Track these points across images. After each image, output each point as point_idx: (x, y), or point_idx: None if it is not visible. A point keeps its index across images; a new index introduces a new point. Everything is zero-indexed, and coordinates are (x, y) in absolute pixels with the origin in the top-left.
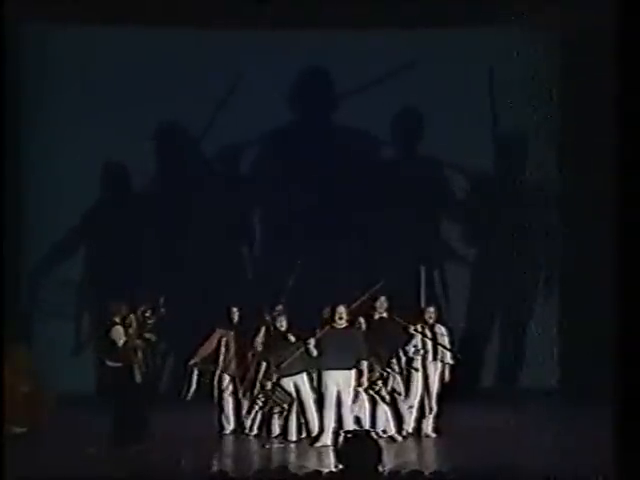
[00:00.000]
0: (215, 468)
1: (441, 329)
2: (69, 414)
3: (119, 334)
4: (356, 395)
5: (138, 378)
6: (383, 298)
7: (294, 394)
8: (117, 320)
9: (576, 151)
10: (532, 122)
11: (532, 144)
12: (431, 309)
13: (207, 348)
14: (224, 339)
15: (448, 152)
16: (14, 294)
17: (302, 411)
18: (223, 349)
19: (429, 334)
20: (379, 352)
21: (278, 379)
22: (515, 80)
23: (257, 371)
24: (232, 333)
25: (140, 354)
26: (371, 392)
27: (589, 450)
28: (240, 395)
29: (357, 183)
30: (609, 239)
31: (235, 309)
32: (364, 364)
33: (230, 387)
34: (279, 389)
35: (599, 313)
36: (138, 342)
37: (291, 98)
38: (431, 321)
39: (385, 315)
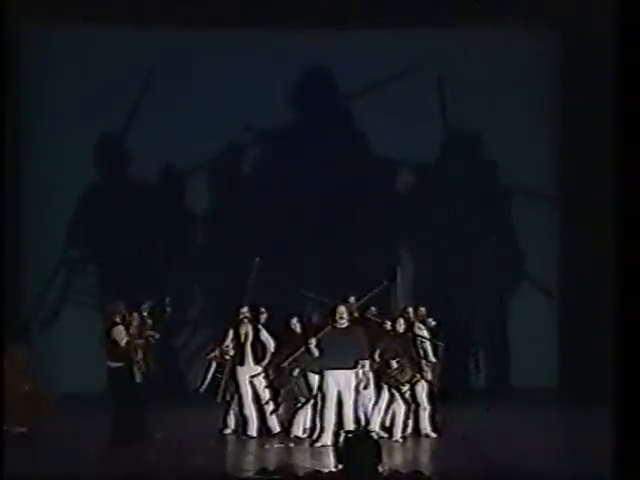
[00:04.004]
0: (215, 467)
1: (421, 327)
2: (69, 414)
3: (121, 334)
4: (378, 392)
5: (138, 378)
6: (352, 299)
7: (314, 392)
8: (117, 320)
9: (576, 151)
10: (531, 122)
11: (530, 144)
12: (410, 309)
13: (229, 343)
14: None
15: (443, 151)
16: (14, 294)
17: (314, 412)
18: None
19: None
20: (413, 354)
21: (305, 372)
22: (514, 80)
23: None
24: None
25: (141, 353)
26: (394, 391)
27: (588, 450)
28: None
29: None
30: (609, 239)
31: (263, 309)
32: (393, 363)
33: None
34: (303, 381)
35: (599, 314)
36: (139, 342)
37: (290, 98)
38: (410, 321)
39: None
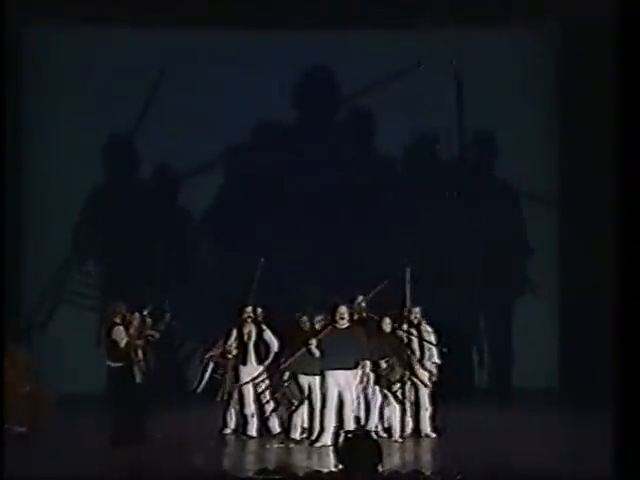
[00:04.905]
0: (215, 467)
1: (427, 328)
2: (69, 414)
3: (121, 334)
4: (372, 392)
5: (138, 378)
6: (361, 297)
7: (306, 393)
8: (117, 320)
9: (575, 151)
10: (531, 123)
11: (530, 145)
12: (417, 309)
13: (232, 343)
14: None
15: (442, 151)
16: (14, 294)
17: (310, 412)
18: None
19: (415, 333)
20: (402, 354)
21: (295, 375)
22: (515, 80)
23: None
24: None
25: (141, 353)
26: (386, 391)
27: (588, 450)
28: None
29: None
30: (609, 239)
31: (260, 309)
32: (382, 363)
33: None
34: (294, 384)
35: (599, 314)
36: (139, 342)
37: (290, 98)
38: (416, 321)
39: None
